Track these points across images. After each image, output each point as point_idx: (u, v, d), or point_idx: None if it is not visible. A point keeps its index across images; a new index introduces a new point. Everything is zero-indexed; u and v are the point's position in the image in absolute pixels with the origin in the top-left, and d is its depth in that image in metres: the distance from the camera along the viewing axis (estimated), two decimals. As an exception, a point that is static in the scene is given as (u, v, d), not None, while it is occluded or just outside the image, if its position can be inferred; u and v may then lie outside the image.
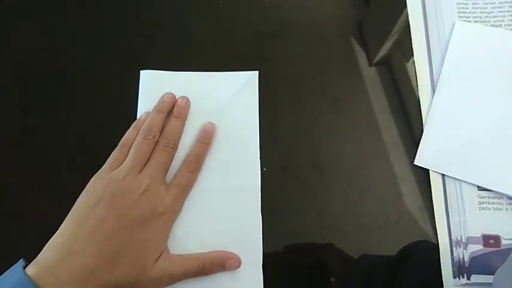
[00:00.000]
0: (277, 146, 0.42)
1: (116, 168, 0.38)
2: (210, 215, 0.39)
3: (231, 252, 0.38)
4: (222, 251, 0.38)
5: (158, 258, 0.35)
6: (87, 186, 0.37)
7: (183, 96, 0.42)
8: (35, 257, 0.33)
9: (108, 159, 0.39)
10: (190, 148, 0.41)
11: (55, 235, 0.34)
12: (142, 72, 0.44)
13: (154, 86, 0.43)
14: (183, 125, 0.41)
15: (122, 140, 0.40)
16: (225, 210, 0.39)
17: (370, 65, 0.45)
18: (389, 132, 0.42)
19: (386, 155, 0.41)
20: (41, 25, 0.47)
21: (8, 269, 0.33)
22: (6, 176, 0.42)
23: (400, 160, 0.41)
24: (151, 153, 0.39)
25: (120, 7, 0.48)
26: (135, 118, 0.42)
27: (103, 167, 0.39)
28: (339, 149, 0.42)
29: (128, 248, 0.34)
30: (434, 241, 0.39)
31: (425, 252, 0.39)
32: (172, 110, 0.41)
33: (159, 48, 0.46)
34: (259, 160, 0.41)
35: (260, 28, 0.46)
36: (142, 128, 0.40)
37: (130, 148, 0.39)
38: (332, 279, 0.38)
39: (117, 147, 0.40)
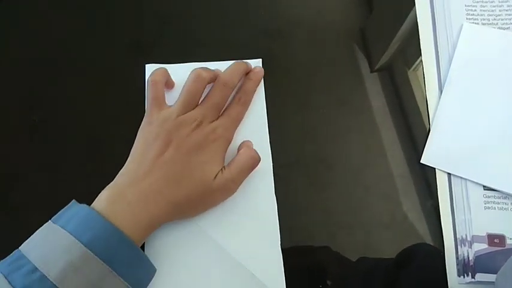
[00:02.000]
0: (283, 143, 0.42)
1: (162, 106, 0.40)
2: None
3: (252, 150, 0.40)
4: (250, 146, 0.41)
5: (217, 174, 0.38)
6: (141, 127, 0.40)
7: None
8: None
9: (147, 99, 0.40)
10: None
11: (123, 167, 0.38)
12: (147, 66, 0.44)
13: None
14: (246, 71, 0.43)
15: (149, 81, 0.41)
16: (239, 194, 0.40)
17: (378, 64, 0.45)
18: (397, 131, 0.43)
19: (393, 153, 0.42)
20: (49, 19, 0.47)
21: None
22: (16, 168, 0.42)
23: (407, 158, 0.41)
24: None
25: (128, 1, 0.48)
26: (142, 112, 0.42)
27: (147, 107, 0.40)
28: (346, 146, 0.42)
29: (188, 170, 0.37)
30: (439, 239, 0.39)
31: (426, 254, 0.39)
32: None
33: (166, 43, 0.46)
34: (268, 142, 0.42)
35: (267, 25, 0.47)
36: (192, 71, 0.41)
37: (162, 84, 0.41)
38: (331, 282, 0.38)
39: (147, 87, 0.41)
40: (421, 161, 0.41)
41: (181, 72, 0.43)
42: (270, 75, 0.44)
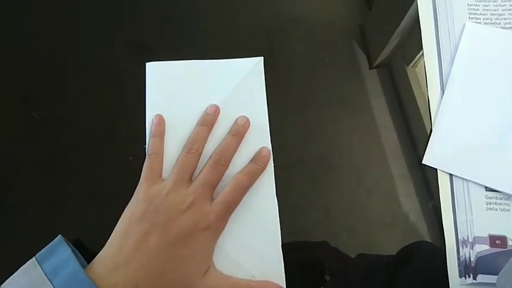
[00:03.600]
0: (285, 143, 0.42)
1: (154, 180, 0.38)
2: None
3: (278, 285, 0.37)
4: (269, 281, 0.37)
5: (204, 274, 0.35)
6: (130, 201, 0.37)
7: (243, 116, 0.41)
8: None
9: (143, 171, 0.39)
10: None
11: (104, 248, 0.35)
12: (148, 64, 0.44)
13: (160, 77, 0.43)
14: (239, 143, 0.40)
15: (149, 150, 0.40)
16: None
17: (380, 64, 0.45)
18: (398, 131, 0.42)
19: (395, 154, 0.42)
20: (49, 17, 0.47)
21: (18, 262, 0.33)
22: (15, 167, 0.42)
23: (409, 159, 0.41)
24: (201, 168, 0.39)
25: (128, 0, 0.47)
26: (144, 110, 0.42)
27: (140, 180, 0.38)
28: (348, 146, 0.42)
29: (172, 264, 0.34)
30: (441, 240, 0.39)
31: (426, 252, 0.39)
32: (231, 128, 0.41)
33: (167, 42, 0.46)
34: (269, 142, 0.41)
35: (268, 24, 0.47)
36: (186, 142, 0.39)
37: (160, 157, 0.39)
38: (330, 278, 0.38)
39: (146, 158, 0.39)
40: (423, 162, 0.41)
41: (182, 70, 0.43)
42: (270, 73, 0.44)
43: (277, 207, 0.39)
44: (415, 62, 0.45)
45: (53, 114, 0.43)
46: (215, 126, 0.41)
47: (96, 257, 0.34)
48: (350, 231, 0.40)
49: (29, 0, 0.47)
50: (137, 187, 0.38)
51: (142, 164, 0.39)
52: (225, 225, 0.38)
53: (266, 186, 0.40)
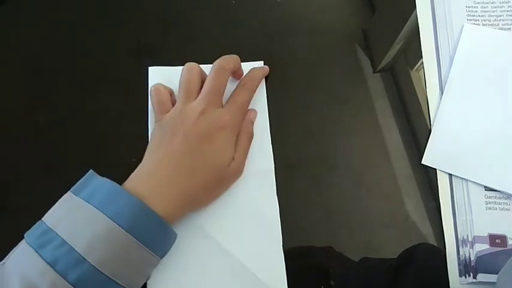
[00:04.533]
0: (285, 144, 0.42)
1: (165, 110, 0.40)
2: (224, 199, 0.40)
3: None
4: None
5: (229, 165, 0.38)
6: (151, 133, 0.41)
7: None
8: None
9: (153, 109, 0.42)
10: None
11: (137, 168, 0.38)
12: (150, 68, 0.44)
13: (163, 81, 0.43)
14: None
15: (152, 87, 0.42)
16: (241, 194, 0.40)
17: (379, 65, 0.45)
18: (398, 132, 0.43)
19: (394, 154, 0.42)
20: (52, 21, 0.47)
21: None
22: (18, 170, 0.42)
23: (408, 159, 0.42)
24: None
25: (131, 4, 0.48)
26: (146, 114, 0.43)
27: (156, 115, 0.41)
28: (348, 147, 0.43)
29: (200, 160, 0.37)
30: (441, 240, 0.39)
31: (427, 255, 0.40)
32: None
33: (169, 46, 0.46)
34: (270, 143, 0.42)
35: (269, 27, 0.47)
36: (184, 66, 0.41)
37: (166, 89, 0.42)
38: (334, 282, 0.38)
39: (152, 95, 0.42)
40: (422, 162, 0.41)
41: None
42: (272, 76, 0.44)
43: (278, 208, 0.40)
44: (419, 66, 0.45)
45: (57, 120, 0.43)
46: None
47: (130, 176, 0.37)
48: (350, 231, 0.40)
49: (31, 6, 0.48)
50: (155, 120, 0.41)
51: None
52: (240, 125, 0.41)
53: (267, 187, 0.41)
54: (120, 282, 0.32)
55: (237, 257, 0.38)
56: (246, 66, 0.44)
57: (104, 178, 0.35)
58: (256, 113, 0.43)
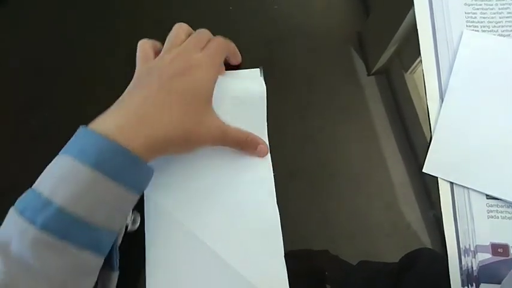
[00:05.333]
0: (285, 151, 0.42)
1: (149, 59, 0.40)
2: (224, 208, 0.39)
3: (262, 140, 0.41)
4: (257, 136, 0.41)
5: (206, 116, 0.38)
6: None
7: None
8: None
9: (137, 60, 0.41)
10: None
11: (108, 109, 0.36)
12: None
13: None
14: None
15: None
16: (241, 203, 0.39)
17: (378, 70, 0.45)
18: (398, 140, 0.42)
19: (395, 162, 0.41)
20: (48, 25, 0.47)
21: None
22: (15, 174, 0.41)
23: (409, 167, 0.41)
24: None
25: (129, 10, 0.48)
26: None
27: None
28: (348, 154, 0.42)
29: (175, 96, 0.36)
30: (442, 249, 0.39)
31: (428, 259, 0.39)
32: None
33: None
34: (268, 150, 0.41)
35: (267, 32, 0.47)
36: None
37: (153, 41, 0.42)
38: (331, 286, 0.38)
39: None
40: (423, 170, 0.41)
41: None
42: (270, 82, 0.44)
43: (278, 216, 0.39)
44: (413, 69, 0.45)
45: (52, 122, 0.43)
46: None
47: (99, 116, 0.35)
48: (351, 239, 0.40)
49: (28, 8, 0.47)
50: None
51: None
52: (218, 67, 0.40)
53: (267, 195, 0.40)
54: (93, 222, 0.31)
55: (237, 268, 0.37)
56: (243, 74, 0.44)
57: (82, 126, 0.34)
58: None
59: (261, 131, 0.42)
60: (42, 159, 0.41)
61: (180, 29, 0.41)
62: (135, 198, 0.34)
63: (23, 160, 0.42)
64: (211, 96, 0.38)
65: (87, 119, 0.42)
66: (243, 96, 0.43)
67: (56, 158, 0.33)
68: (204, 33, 0.41)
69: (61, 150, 0.33)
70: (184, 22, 0.46)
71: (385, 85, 0.44)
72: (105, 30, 0.47)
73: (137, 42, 0.46)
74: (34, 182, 0.41)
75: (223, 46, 0.41)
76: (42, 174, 0.32)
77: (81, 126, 0.33)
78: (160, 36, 0.46)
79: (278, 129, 0.42)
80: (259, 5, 0.48)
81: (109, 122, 0.34)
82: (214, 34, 0.46)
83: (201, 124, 0.37)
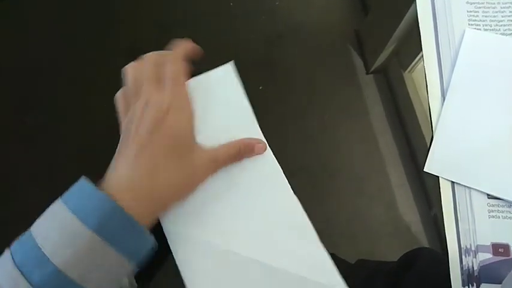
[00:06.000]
0: (285, 150, 0.42)
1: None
2: (244, 214, 0.39)
3: (258, 138, 0.40)
4: (249, 138, 0.40)
5: (196, 152, 0.37)
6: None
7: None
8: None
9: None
10: None
11: (110, 167, 0.36)
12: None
13: None
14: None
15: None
16: (259, 204, 0.39)
17: (377, 69, 0.45)
18: (399, 139, 0.42)
19: (396, 162, 0.41)
20: (43, 24, 0.47)
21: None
22: (7, 172, 0.41)
23: (410, 167, 0.41)
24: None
25: (129, 9, 0.48)
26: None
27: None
28: (349, 154, 0.42)
29: (159, 150, 0.35)
30: (443, 249, 0.38)
31: (428, 259, 0.39)
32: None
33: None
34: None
35: (266, 31, 0.46)
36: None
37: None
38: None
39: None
40: (425, 169, 0.40)
41: None
42: (269, 81, 0.44)
43: (298, 202, 0.39)
44: (412, 68, 0.45)
45: (46, 122, 0.43)
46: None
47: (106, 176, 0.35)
48: (351, 239, 0.40)
49: (23, 7, 0.47)
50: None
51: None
52: (189, 105, 0.39)
53: (280, 186, 0.40)
54: (86, 285, 0.30)
55: (282, 267, 0.37)
56: (215, 74, 0.43)
57: (83, 179, 0.34)
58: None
59: (251, 127, 0.41)
60: (42, 159, 0.42)
61: (130, 70, 0.39)
62: (132, 268, 0.33)
63: (21, 160, 0.42)
64: (192, 132, 0.38)
65: (88, 119, 0.43)
66: (223, 100, 0.42)
67: (58, 205, 0.32)
68: (149, 60, 0.39)
69: (62, 198, 0.33)
70: (183, 20, 0.46)
71: (384, 83, 0.44)
72: (105, 30, 0.47)
73: (137, 42, 0.46)
74: (34, 182, 0.41)
75: (177, 66, 0.39)
76: (42, 220, 0.32)
77: (84, 179, 0.33)
78: (160, 36, 0.46)
79: (278, 129, 0.42)
80: (260, 3, 0.48)
81: (111, 182, 0.34)
82: (214, 32, 0.46)
83: (193, 167, 0.37)
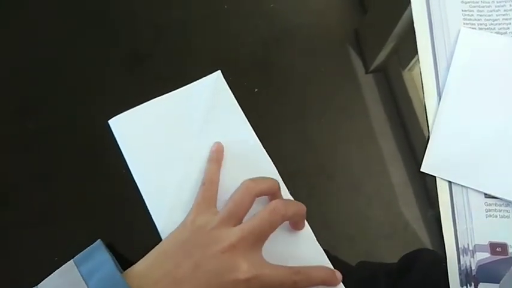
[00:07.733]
0: (284, 152, 0.41)
1: (204, 209, 0.36)
2: None
3: (331, 269, 0.37)
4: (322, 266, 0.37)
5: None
6: (180, 224, 0.36)
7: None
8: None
9: (195, 198, 0.37)
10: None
11: (143, 258, 0.34)
12: (110, 121, 0.42)
13: (128, 127, 0.42)
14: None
15: (204, 177, 0.39)
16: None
17: (376, 71, 0.45)
18: (396, 139, 0.42)
19: (393, 162, 0.41)
20: (44, 28, 0.46)
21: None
22: (9, 178, 0.41)
23: (407, 167, 0.41)
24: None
25: (128, 10, 0.47)
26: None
27: (192, 206, 0.37)
28: (346, 155, 0.42)
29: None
30: (441, 249, 0.38)
31: (427, 260, 0.39)
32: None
33: (162, 54, 0.45)
34: (262, 149, 0.41)
35: (264, 32, 0.46)
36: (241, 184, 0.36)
37: (214, 185, 0.38)
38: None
39: (200, 185, 0.38)
40: (421, 169, 0.40)
41: (146, 113, 0.42)
42: (267, 84, 0.43)
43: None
44: (411, 66, 0.45)
45: (49, 125, 0.43)
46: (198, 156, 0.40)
47: (134, 265, 0.33)
48: (350, 240, 0.39)
49: (23, 12, 0.47)
50: (188, 212, 0.36)
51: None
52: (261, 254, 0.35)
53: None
54: None
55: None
56: (204, 82, 0.43)
57: (108, 255, 0.33)
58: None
59: (244, 131, 0.41)
60: (41, 160, 0.41)
61: (246, 193, 0.35)
62: None
63: (21, 162, 0.41)
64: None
65: (87, 119, 0.42)
66: (214, 107, 0.42)
67: (76, 279, 0.31)
68: (275, 213, 0.34)
69: (83, 267, 0.32)
70: (179, 21, 0.46)
71: (383, 82, 0.44)
72: (104, 31, 0.46)
73: (137, 42, 0.45)
74: (33, 182, 0.40)
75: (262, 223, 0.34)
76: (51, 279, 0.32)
77: (110, 262, 0.32)
78: (157, 35, 0.45)
79: (276, 130, 0.42)
80: (255, 4, 0.47)
81: (141, 277, 0.32)
82: (208, 33, 0.46)
83: None
